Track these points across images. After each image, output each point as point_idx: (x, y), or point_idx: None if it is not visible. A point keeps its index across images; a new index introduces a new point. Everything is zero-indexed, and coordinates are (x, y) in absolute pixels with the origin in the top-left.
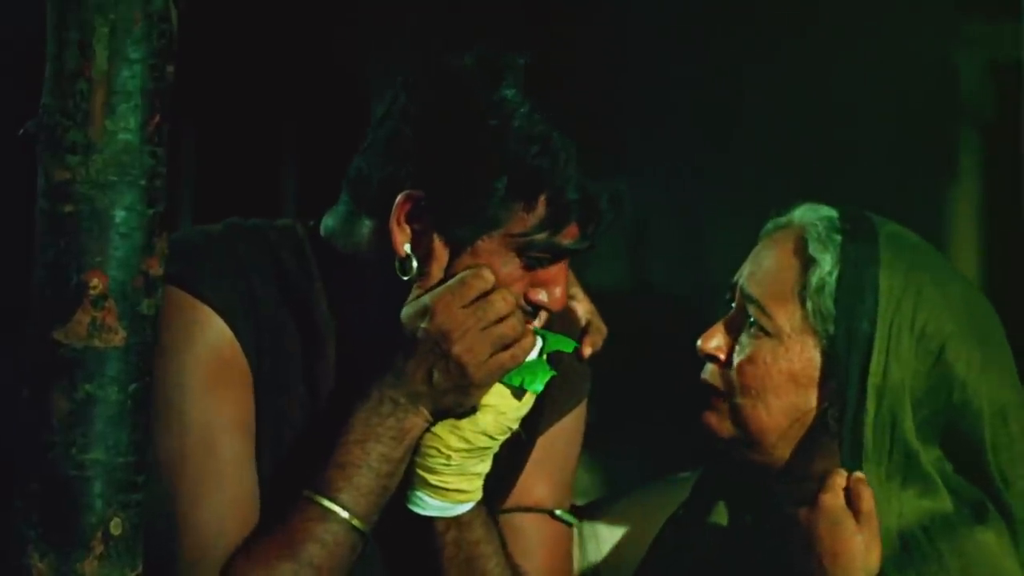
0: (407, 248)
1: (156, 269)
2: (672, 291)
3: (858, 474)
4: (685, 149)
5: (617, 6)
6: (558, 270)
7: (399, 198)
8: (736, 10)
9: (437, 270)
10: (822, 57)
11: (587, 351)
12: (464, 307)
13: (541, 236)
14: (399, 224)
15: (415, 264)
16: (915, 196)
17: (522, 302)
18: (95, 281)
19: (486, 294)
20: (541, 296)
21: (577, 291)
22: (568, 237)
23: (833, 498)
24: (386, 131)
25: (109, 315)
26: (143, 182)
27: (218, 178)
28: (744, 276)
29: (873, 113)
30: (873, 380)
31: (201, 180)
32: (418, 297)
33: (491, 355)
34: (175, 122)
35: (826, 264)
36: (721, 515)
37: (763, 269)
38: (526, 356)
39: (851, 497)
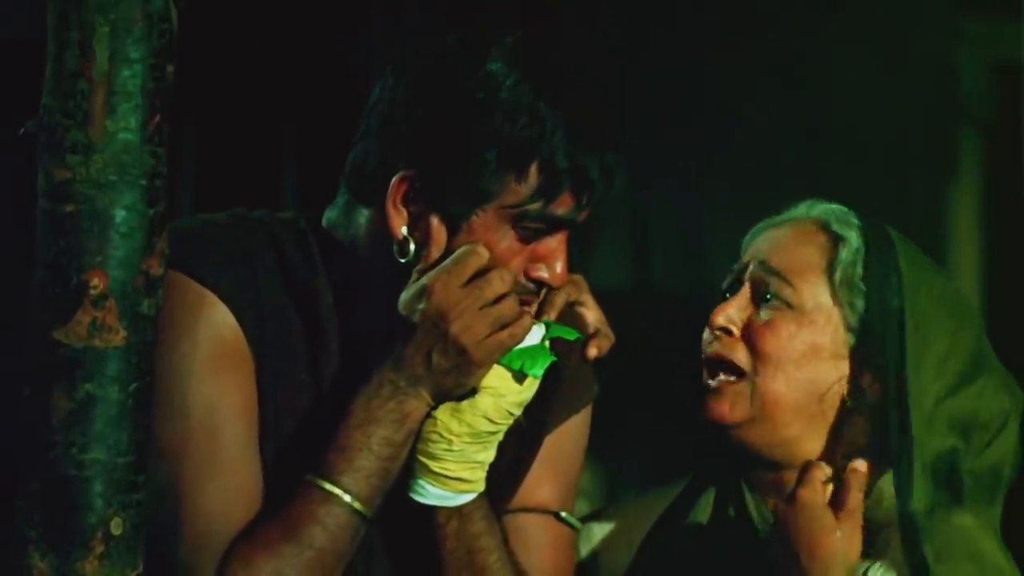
0: (404, 231)
1: (156, 269)
2: (672, 291)
3: (854, 464)
4: (685, 149)
5: (618, 8)
6: (557, 244)
7: (394, 180)
8: (736, 10)
9: (435, 251)
10: (822, 57)
11: (592, 352)
12: (461, 286)
13: (535, 206)
14: (395, 207)
15: (412, 246)
16: (915, 196)
17: (522, 279)
18: (95, 281)
19: (483, 272)
20: (541, 271)
21: (588, 298)
22: (562, 206)
23: (811, 492)
24: (376, 116)
25: (109, 315)
26: (143, 182)
27: (218, 178)
28: (762, 253)
29: (873, 113)
30: (912, 357)
31: (201, 180)
32: (416, 280)
33: (489, 334)
34: (175, 122)
35: (854, 241)
36: (708, 514)
37: (783, 245)
38: (525, 335)
39: (836, 489)
